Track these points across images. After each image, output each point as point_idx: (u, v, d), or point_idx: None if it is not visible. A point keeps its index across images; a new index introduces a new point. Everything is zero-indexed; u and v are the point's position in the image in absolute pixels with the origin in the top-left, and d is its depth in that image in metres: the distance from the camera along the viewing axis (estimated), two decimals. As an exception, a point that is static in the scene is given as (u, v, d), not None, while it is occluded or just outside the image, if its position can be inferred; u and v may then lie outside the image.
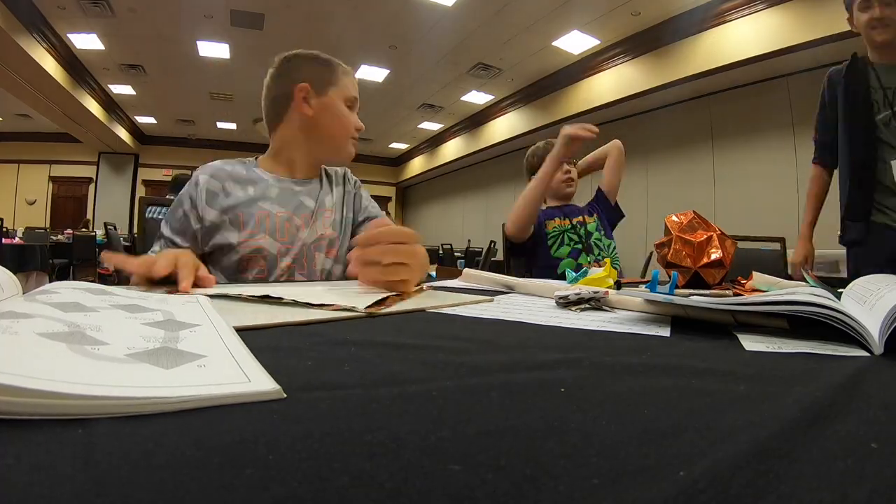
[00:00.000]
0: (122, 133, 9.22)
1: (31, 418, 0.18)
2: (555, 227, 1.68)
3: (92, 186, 10.30)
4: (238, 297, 0.54)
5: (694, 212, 1.01)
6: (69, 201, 10.28)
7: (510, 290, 0.80)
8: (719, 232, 0.97)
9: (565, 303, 0.59)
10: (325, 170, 1.18)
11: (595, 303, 0.59)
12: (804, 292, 0.44)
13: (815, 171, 1.67)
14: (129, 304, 0.42)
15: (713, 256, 0.93)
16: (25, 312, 0.31)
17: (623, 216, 1.83)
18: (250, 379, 0.24)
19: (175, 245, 0.94)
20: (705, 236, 0.95)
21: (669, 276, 0.92)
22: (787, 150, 4.41)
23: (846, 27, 1.55)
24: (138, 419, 0.20)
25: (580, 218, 1.71)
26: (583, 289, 0.62)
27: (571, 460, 0.17)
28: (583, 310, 0.58)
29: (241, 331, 0.36)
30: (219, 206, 0.97)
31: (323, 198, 1.11)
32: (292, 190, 1.06)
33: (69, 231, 6.43)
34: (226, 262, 0.97)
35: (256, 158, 1.10)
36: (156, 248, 0.96)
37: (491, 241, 5.17)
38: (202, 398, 0.21)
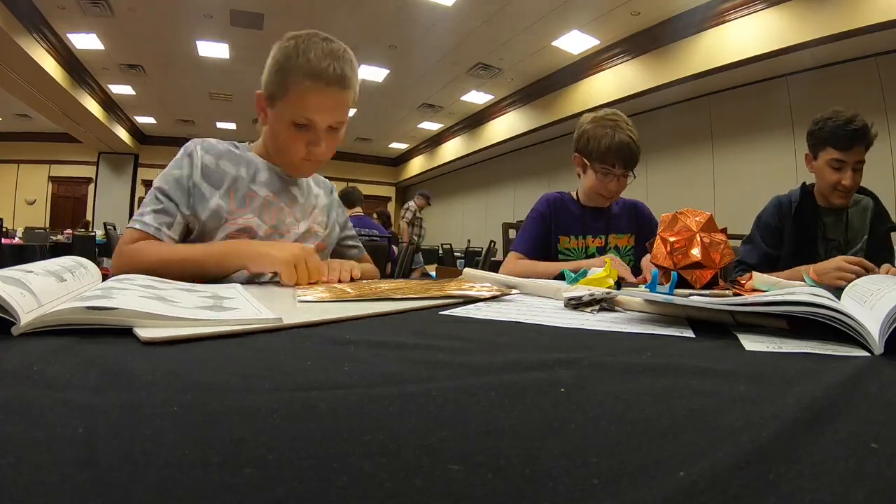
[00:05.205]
0: (122, 133, 9.22)
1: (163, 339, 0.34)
2: (571, 248, 1.43)
3: (92, 186, 10.30)
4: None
5: (689, 210, 0.98)
6: (69, 201, 10.28)
7: (513, 290, 0.80)
8: (702, 232, 0.92)
9: (576, 304, 0.59)
10: (315, 176, 1.15)
11: (607, 303, 0.59)
12: (804, 292, 0.44)
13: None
14: (186, 288, 0.58)
15: (694, 259, 0.90)
16: (122, 287, 0.48)
17: None
18: (264, 316, 0.42)
19: (164, 209, 0.90)
20: (686, 236, 0.93)
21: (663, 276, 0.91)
22: (787, 150, 4.41)
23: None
24: (139, 415, 0.20)
25: (610, 238, 1.44)
26: (595, 290, 0.62)
27: (571, 460, 0.17)
28: (597, 311, 0.57)
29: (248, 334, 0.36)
30: (211, 181, 0.94)
31: (313, 198, 1.09)
32: (281, 178, 1.02)
33: (69, 231, 6.43)
34: (211, 240, 0.93)
35: (249, 143, 1.05)
36: (148, 205, 0.91)
37: (491, 241, 5.16)
38: (236, 321, 0.39)
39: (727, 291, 0.83)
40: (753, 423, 0.21)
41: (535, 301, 0.67)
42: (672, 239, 0.93)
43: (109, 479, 0.15)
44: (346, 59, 0.91)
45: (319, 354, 0.33)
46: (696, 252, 0.91)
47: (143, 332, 0.33)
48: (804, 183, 1.54)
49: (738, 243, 1.62)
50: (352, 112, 1.01)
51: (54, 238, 5.69)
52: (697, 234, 0.92)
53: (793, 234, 1.48)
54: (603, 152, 1.34)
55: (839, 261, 1.18)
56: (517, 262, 1.38)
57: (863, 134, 1.36)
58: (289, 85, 0.89)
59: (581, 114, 1.48)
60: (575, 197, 1.49)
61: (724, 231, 0.96)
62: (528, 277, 0.88)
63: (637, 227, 1.50)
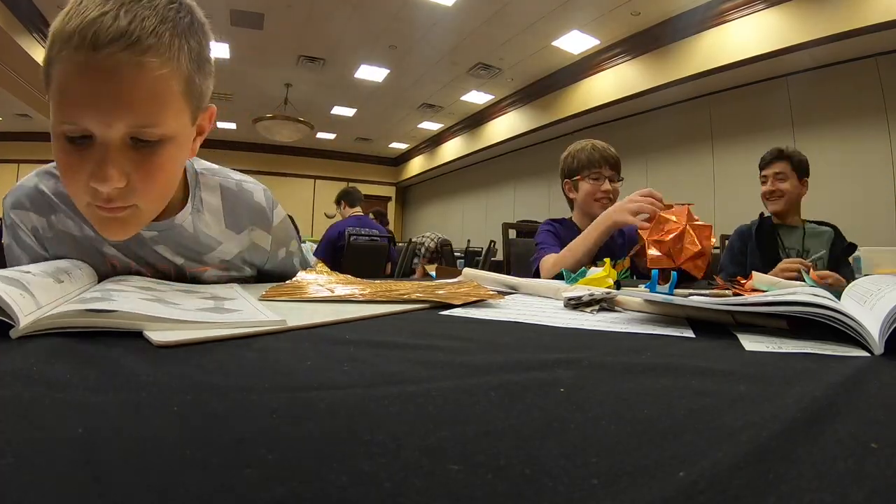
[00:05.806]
0: (122, 133, 9.23)
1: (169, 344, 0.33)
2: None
3: (92, 186, 10.29)
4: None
5: (666, 211, 0.99)
6: (69, 201, 10.27)
7: (513, 290, 0.80)
8: (686, 222, 0.94)
9: (576, 304, 0.59)
10: (226, 202, 0.72)
11: (607, 303, 0.59)
12: (804, 292, 0.44)
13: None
14: (185, 289, 0.57)
15: (693, 250, 0.92)
16: (121, 289, 0.47)
17: None
18: (267, 318, 0.41)
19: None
20: (676, 232, 0.94)
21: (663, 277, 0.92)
22: (787, 150, 4.41)
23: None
24: (139, 415, 0.20)
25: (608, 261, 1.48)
26: (595, 290, 0.62)
27: (571, 460, 0.17)
28: (597, 311, 0.57)
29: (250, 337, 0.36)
30: (52, 249, 0.67)
31: (201, 252, 0.71)
32: (139, 234, 0.65)
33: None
34: None
35: None
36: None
37: (491, 241, 5.15)
38: (239, 323, 0.38)
39: (727, 291, 0.84)
40: (753, 423, 0.21)
41: (535, 301, 0.67)
42: (667, 238, 0.94)
43: (109, 479, 0.15)
44: (148, 3, 0.49)
45: (319, 354, 0.33)
46: (691, 243, 0.93)
47: (156, 336, 0.33)
48: (762, 213, 1.85)
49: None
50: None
51: (54, 238, 5.69)
52: (687, 226, 0.94)
53: (757, 250, 1.77)
54: (586, 161, 1.52)
55: (781, 264, 1.43)
56: (554, 258, 1.33)
57: (773, 156, 1.79)
58: (51, 67, 0.49)
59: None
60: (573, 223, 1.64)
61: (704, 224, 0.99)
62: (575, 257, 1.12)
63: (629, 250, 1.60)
